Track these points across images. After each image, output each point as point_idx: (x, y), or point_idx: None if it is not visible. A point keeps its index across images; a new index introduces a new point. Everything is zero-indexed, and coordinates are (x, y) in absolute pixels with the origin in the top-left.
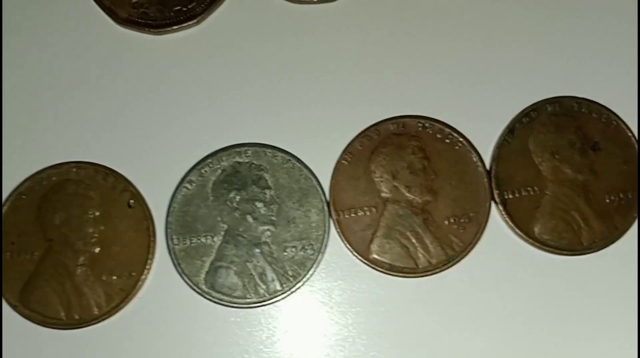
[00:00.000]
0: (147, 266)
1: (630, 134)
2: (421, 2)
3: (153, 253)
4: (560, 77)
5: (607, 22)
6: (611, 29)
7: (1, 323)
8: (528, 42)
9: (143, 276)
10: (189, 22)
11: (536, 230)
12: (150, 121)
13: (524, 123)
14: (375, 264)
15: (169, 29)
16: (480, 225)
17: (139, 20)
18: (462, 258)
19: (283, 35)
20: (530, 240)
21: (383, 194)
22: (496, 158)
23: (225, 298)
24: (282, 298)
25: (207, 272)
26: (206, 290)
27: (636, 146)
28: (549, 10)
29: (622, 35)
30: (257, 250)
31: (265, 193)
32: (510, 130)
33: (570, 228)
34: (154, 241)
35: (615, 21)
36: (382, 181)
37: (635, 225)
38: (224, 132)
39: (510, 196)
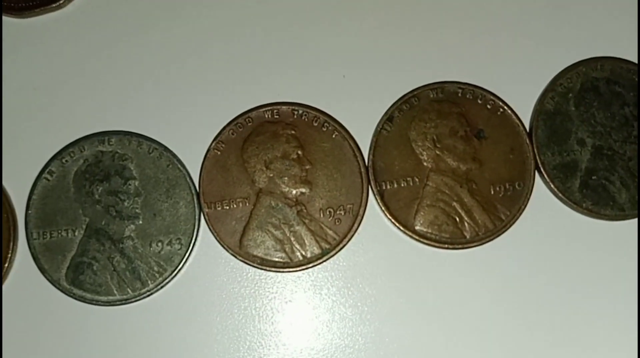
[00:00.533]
0: (6, 263)
1: (517, 121)
2: None
3: (15, 248)
4: (443, 61)
5: (493, 3)
6: (499, 11)
7: None
8: (409, 24)
9: (4, 272)
10: (52, 5)
11: (416, 222)
12: (10, 108)
13: (404, 110)
14: (247, 258)
15: (31, 11)
16: (356, 217)
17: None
18: (337, 251)
19: (151, 19)
20: (409, 233)
21: (257, 185)
22: (374, 147)
23: (88, 295)
24: (148, 296)
25: (68, 268)
26: (67, 286)
27: (524, 134)
28: None
29: (510, 18)
30: (121, 245)
31: (129, 184)
32: (389, 118)
33: (452, 221)
34: (15, 235)
35: (502, 3)
36: (255, 171)
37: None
38: (88, 119)
39: (389, 187)
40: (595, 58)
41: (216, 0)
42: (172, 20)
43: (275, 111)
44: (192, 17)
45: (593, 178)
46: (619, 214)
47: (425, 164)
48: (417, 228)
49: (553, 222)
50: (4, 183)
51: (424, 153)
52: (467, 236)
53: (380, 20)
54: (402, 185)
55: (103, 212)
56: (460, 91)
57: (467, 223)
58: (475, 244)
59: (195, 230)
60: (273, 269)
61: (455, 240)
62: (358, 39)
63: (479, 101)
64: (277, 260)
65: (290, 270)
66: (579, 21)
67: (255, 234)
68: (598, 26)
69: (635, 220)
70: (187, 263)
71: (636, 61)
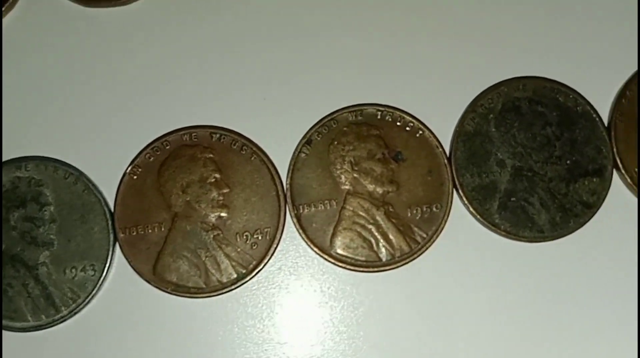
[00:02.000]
0: None
1: (436, 143)
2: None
3: None
4: (362, 84)
5: (411, 24)
6: (417, 32)
7: None
8: (329, 47)
9: None
10: None
11: (333, 245)
12: None
13: (322, 133)
14: (161, 284)
15: None
16: (273, 241)
17: None
18: (253, 276)
19: (66, 46)
20: (326, 256)
21: (173, 209)
22: (292, 170)
23: (10, 323)
24: (62, 322)
25: None
26: None
27: (443, 156)
28: (354, 15)
29: (429, 38)
30: (36, 271)
31: (45, 211)
32: (307, 141)
33: (368, 244)
34: None
35: (421, 24)
36: (171, 195)
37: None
38: (5, 145)
39: (306, 210)
40: (517, 78)
41: (131, 23)
42: (84, 44)
43: (193, 134)
44: (106, 40)
45: (512, 199)
46: (538, 236)
47: (343, 187)
48: (333, 251)
49: (471, 244)
50: None
51: (342, 176)
52: (383, 259)
53: (300, 42)
54: (320, 208)
55: (18, 238)
56: (379, 113)
57: (383, 246)
58: (391, 267)
59: (110, 256)
60: (187, 295)
61: (371, 263)
62: (278, 61)
63: (398, 123)
64: (191, 285)
65: (205, 295)
66: (501, 40)
67: (169, 259)
68: (520, 45)
69: (555, 241)
70: (101, 290)
71: (560, 80)
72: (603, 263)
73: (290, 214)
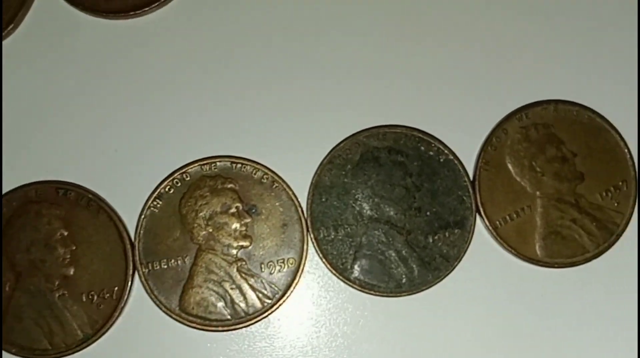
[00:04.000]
0: None
1: (292, 196)
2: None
3: None
4: (214, 135)
5: (260, 78)
6: (269, 83)
7: None
8: (176, 99)
9: None
10: None
11: (183, 304)
12: None
13: (175, 187)
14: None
15: None
16: (120, 300)
17: None
18: (99, 337)
19: None
20: (175, 315)
21: (16, 268)
22: (142, 226)
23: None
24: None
25: None
26: None
27: (299, 207)
28: (200, 64)
29: (279, 90)
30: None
31: None
32: (158, 195)
33: (222, 301)
34: None
35: (270, 77)
36: (16, 255)
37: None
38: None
39: (156, 268)
40: (377, 127)
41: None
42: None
43: (37, 190)
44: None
45: (369, 252)
46: (395, 290)
47: (195, 242)
48: (184, 310)
49: (327, 298)
50: None
51: (194, 231)
52: (233, 319)
53: (152, 95)
54: (171, 265)
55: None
56: (233, 165)
57: (237, 303)
58: (244, 325)
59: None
60: (33, 356)
61: (224, 322)
62: (129, 113)
63: (254, 176)
64: (35, 347)
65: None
66: (359, 88)
67: (12, 321)
68: (380, 93)
69: (413, 296)
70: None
71: (422, 129)
72: (460, 316)
73: (139, 273)
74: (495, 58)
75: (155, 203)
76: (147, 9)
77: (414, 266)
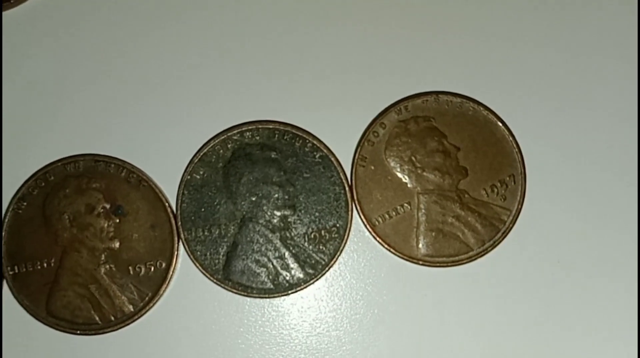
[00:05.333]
0: None
1: (160, 195)
2: None
3: None
4: (73, 133)
5: (133, 77)
6: (139, 83)
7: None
8: (37, 99)
9: None
10: None
11: (50, 307)
12: None
13: (39, 187)
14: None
15: None
16: None
17: None
18: None
19: None
20: (41, 319)
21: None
22: (6, 229)
23: None
24: None
25: None
26: None
27: (168, 209)
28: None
29: (151, 88)
30: None
31: None
32: (21, 197)
33: (87, 305)
34: None
35: (144, 77)
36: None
37: None
38: None
39: (21, 270)
40: (249, 122)
41: None
42: None
43: None
44: None
45: (240, 253)
46: (269, 291)
47: (60, 244)
48: (51, 313)
49: (201, 299)
50: None
51: (59, 232)
52: (101, 322)
53: (12, 94)
54: (37, 268)
55: None
56: (97, 164)
57: (105, 307)
58: (112, 328)
59: None
60: None
61: (90, 326)
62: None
63: (120, 175)
64: None
65: None
66: (232, 83)
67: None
68: (255, 89)
69: (290, 296)
70: None
71: (297, 124)
72: (338, 315)
73: (6, 277)
74: (373, 50)
75: (19, 204)
76: None
77: (290, 265)
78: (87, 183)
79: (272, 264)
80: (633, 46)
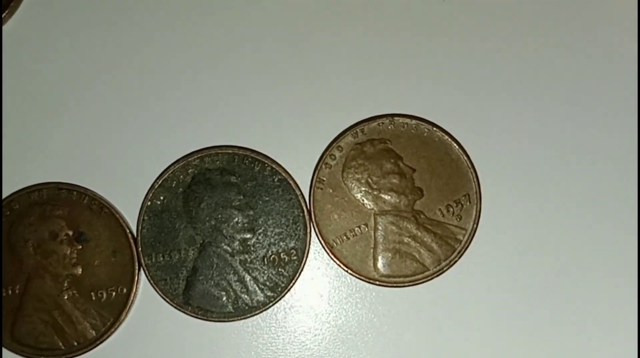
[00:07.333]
0: None
1: (122, 221)
2: None
3: None
4: (39, 161)
5: (95, 103)
6: (100, 111)
7: None
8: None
9: None
10: None
11: (15, 333)
12: None
13: (6, 215)
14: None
15: None
16: None
17: None
18: None
19: None
20: (8, 345)
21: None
22: None
23: None
24: None
25: None
26: None
27: (129, 235)
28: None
29: (110, 115)
30: None
31: None
32: None
33: (50, 331)
34: None
35: (107, 102)
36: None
37: None
38: None
39: None
40: (209, 147)
41: None
42: None
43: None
44: None
45: (200, 278)
46: (229, 314)
47: (25, 270)
48: (15, 339)
49: (161, 325)
50: None
51: (24, 259)
52: (64, 347)
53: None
54: (2, 295)
55: None
56: (60, 191)
57: (68, 332)
58: (75, 354)
59: None
60: None
61: (53, 352)
62: None
63: (84, 202)
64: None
65: None
66: (193, 109)
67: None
68: (215, 114)
69: (249, 319)
70: None
71: (255, 148)
72: (297, 338)
73: None
74: (329, 73)
75: None
76: None
77: (250, 288)
78: (50, 210)
79: (232, 287)
80: (585, 62)
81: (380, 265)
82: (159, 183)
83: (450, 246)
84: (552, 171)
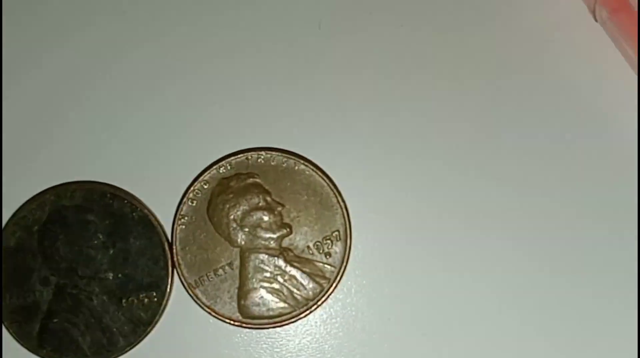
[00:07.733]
0: None
1: None
2: None
3: None
4: None
5: None
6: None
7: None
8: None
9: None
10: None
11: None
12: None
13: None
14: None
15: None
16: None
17: None
18: None
19: None
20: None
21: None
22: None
23: None
24: None
25: None
26: None
27: None
28: None
29: None
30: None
31: None
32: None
33: None
34: None
35: None
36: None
37: None
38: None
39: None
40: (66, 184)
41: None
42: None
43: None
44: None
45: (55, 320)
46: None
47: None
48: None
49: None
50: None
51: None
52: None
53: None
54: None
55: None
56: None
57: None
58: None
59: None
60: None
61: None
62: None
63: None
64: None
65: None
66: (45, 143)
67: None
68: (67, 149)
69: None
70: None
71: (115, 183)
72: None
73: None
74: (196, 106)
75: None
76: None
77: (104, 333)
78: None
79: (89, 331)
80: (451, 95)
81: (245, 305)
82: (13, 220)
83: (318, 284)
84: (426, 206)
